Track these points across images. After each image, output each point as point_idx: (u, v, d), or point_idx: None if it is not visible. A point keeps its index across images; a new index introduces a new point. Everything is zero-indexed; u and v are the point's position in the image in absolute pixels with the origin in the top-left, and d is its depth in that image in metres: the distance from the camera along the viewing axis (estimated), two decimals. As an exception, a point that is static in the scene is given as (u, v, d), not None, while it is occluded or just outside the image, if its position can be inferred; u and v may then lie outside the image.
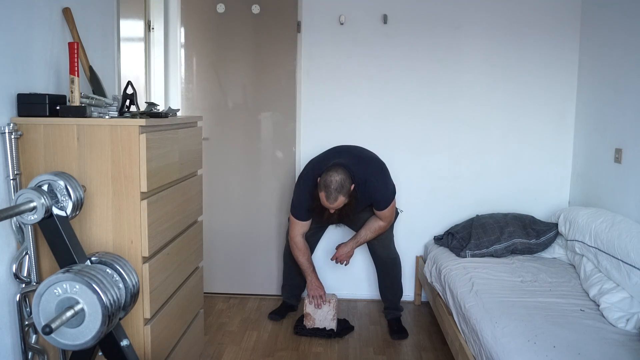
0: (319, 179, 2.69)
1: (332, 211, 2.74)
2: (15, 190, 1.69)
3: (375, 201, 2.86)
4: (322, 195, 2.67)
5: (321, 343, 2.90)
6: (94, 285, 1.40)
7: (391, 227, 3.03)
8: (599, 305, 2.31)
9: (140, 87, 3.17)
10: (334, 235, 3.36)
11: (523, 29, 3.32)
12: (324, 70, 3.39)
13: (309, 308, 2.99)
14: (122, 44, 2.61)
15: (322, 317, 2.98)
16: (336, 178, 2.63)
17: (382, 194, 2.85)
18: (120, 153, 1.72)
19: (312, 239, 3.14)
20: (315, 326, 2.99)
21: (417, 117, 3.41)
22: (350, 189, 2.68)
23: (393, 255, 3.09)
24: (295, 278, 3.21)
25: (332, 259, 3.04)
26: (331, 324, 2.98)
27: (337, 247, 3.05)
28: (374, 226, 2.94)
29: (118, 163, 1.73)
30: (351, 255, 3.02)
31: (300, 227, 2.94)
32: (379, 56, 3.37)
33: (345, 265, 3.05)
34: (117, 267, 1.60)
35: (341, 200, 2.66)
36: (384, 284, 3.14)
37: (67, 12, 2.03)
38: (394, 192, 2.91)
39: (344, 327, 3.02)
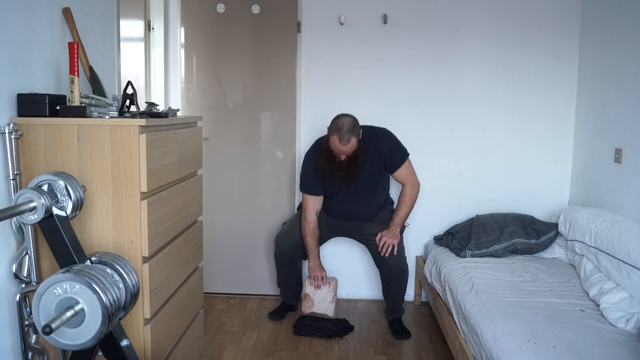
0: (328, 127, 2.75)
1: (342, 157, 2.77)
2: (15, 190, 1.69)
3: (388, 156, 2.88)
4: (334, 139, 2.71)
5: (321, 343, 2.90)
6: (94, 285, 1.40)
7: (402, 236, 3.01)
8: (599, 305, 2.31)
9: (140, 87, 3.17)
10: (340, 243, 3.35)
11: (523, 29, 3.32)
12: (323, 70, 3.39)
13: (308, 289, 2.97)
14: (122, 44, 2.61)
15: (321, 298, 2.95)
16: (347, 120, 2.72)
17: (392, 144, 2.91)
18: (120, 153, 1.72)
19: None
20: (313, 308, 2.96)
21: (417, 117, 3.41)
22: (360, 132, 2.75)
23: (403, 265, 3.00)
24: (289, 280, 3.20)
25: (379, 250, 2.89)
26: (330, 307, 2.96)
27: (379, 236, 2.91)
28: (404, 197, 2.96)
29: (118, 163, 1.73)
30: (398, 238, 2.91)
31: (314, 203, 2.97)
32: (379, 56, 3.37)
33: (395, 252, 2.89)
34: (117, 267, 1.60)
35: (353, 142, 2.71)
36: (389, 293, 3.08)
37: (67, 12, 2.03)
38: (407, 152, 2.95)
39: (343, 327, 3.02)
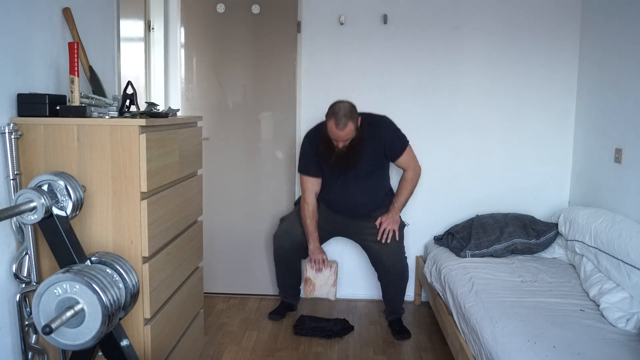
0: (327, 112, 2.74)
1: (340, 145, 2.75)
2: (15, 190, 1.69)
3: (388, 144, 2.86)
4: (331, 123, 2.68)
5: (321, 343, 2.90)
6: (94, 285, 1.40)
7: (402, 236, 3.00)
8: (599, 305, 2.31)
9: (140, 87, 3.17)
10: (339, 243, 3.35)
11: (523, 29, 3.32)
12: (323, 70, 3.39)
13: (309, 272, 2.93)
14: (122, 44, 2.61)
15: (322, 282, 2.91)
16: (344, 105, 2.70)
17: (392, 132, 2.90)
18: (120, 153, 1.72)
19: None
20: (315, 292, 2.92)
21: (416, 117, 3.41)
22: (358, 119, 2.73)
23: (400, 264, 2.98)
24: (288, 278, 3.20)
25: (378, 238, 2.88)
26: (331, 290, 2.93)
27: (379, 221, 2.89)
28: (404, 181, 2.95)
29: (118, 163, 1.73)
30: (398, 223, 2.91)
31: (312, 185, 2.95)
32: (379, 56, 3.37)
33: (397, 238, 2.89)
34: (117, 267, 1.60)
35: (350, 127, 2.68)
36: (389, 294, 3.08)
37: (67, 12, 2.03)
38: (407, 139, 2.94)
39: (343, 327, 3.02)
